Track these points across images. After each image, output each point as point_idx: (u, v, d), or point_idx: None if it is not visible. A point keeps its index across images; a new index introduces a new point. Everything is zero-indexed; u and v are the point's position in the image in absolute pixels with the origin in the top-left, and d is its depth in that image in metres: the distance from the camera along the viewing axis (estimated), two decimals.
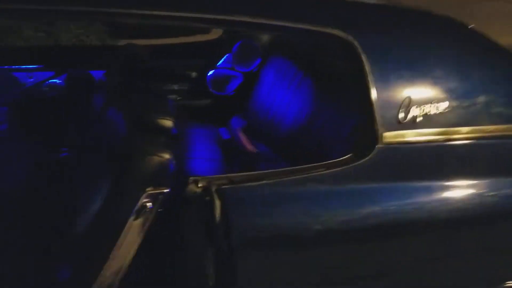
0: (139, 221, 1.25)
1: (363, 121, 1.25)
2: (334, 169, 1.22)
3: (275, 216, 1.19)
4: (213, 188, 1.09)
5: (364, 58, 1.19)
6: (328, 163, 1.24)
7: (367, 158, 1.21)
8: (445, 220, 1.32)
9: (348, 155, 1.24)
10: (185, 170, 1.98)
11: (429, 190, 1.31)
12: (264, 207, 1.19)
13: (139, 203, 1.24)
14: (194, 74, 2.74)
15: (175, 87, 2.73)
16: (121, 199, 1.24)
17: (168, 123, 1.41)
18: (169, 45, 2.72)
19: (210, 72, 2.75)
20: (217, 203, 1.08)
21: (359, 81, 1.22)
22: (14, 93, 2.42)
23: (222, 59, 2.76)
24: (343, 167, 1.22)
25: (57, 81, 2.50)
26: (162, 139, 1.34)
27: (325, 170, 1.21)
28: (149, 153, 1.25)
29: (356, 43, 1.18)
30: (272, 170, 1.24)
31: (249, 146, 2.21)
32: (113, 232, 1.23)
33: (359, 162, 1.22)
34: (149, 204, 1.25)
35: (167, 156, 1.28)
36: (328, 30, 1.19)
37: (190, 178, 1.11)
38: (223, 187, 1.11)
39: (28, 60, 2.44)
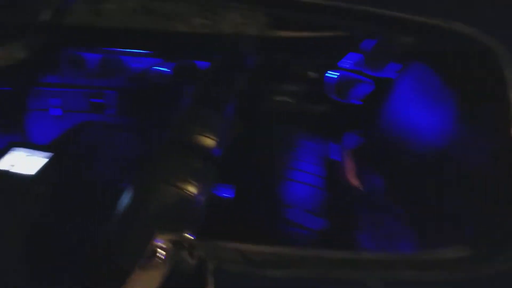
0: (146, 274, 0.89)
1: None
2: None
3: None
4: (211, 266, 0.66)
5: None
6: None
7: None
8: None
9: None
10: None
11: None
12: None
13: (147, 249, 0.88)
14: (311, 73, 2.30)
15: (288, 87, 2.33)
16: (125, 239, 0.90)
17: (207, 142, 1.02)
18: (284, 38, 2.32)
19: (331, 73, 2.27)
20: None
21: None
22: (123, 78, 2.34)
23: (352, 60, 2.25)
24: None
25: (164, 69, 2.33)
26: (196, 163, 0.97)
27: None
28: (166, 182, 0.89)
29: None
30: (338, 252, 0.75)
31: (353, 179, 1.70)
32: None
33: None
34: (160, 253, 0.89)
35: (191, 189, 0.89)
36: None
37: (184, 239, 0.71)
38: (230, 266, 0.68)
39: (143, 45, 2.31)
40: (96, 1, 3.23)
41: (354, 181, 1.72)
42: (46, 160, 1.67)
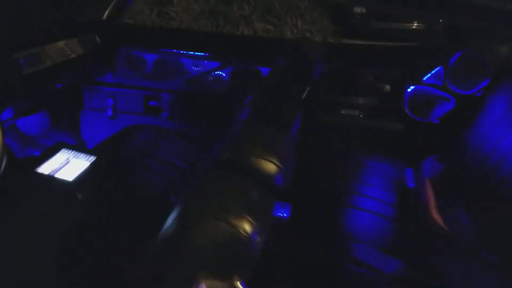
0: None
1: None
2: None
3: None
4: None
5: None
6: None
7: None
8: None
9: None
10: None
11: None
12: None
13: None
14: (387, 87, 2.04)
15: (360, 100, 2.09)
16: (160, 282, 0.72)
17: (269, 167, 0.82)
18: (355, 46, 2.09)
19: (411, 88, 2.00)
20: None
21: None
22: (180, 81, 2.20)
23: (431, 72, 1.97)
24: None
25: (222, 73, 2.17)
26: (253, 194, 0.76)
27: None
28: (215, 217, 0.70)
29: None
30: None
31: (434, 213, 1.43)
32: None
33: None
34: None
35: (247, 228, 0.70)
36: None
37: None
38: None
39: (203, 48, 2.17)
40: (160, 2, 3.19)
41: (435, 216, 1.45)
42: (89, 164, 1.56)
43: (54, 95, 2.09)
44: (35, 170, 1.51)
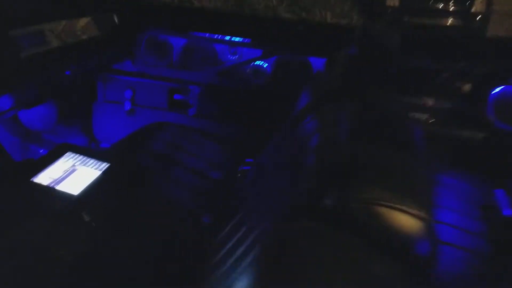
0: None
1: None
2: None
3: None
4: None
5: None
6: None
7: None
8: None
9: None
10: None
11: None
12: None
13: None
14: (467, 86, 1.65)
15: (429, 101, 1.71)
16: None
17: (404, 222, 0.45)
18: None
19: (497, 89, 1.61)
20: None
21: None
22: (212, 71, 1.84)
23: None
24: None
25: (263, 63, 1.80)
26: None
27: None
28: None
29: None
30: None
31: None
32: None
33: None
34: None
35: None
36: None
37: None
38: None
39: (242, 32, 1.80)
40: None
41: None
42: (99, 173, 1.21)
43: (62, 84, 1.75)
44: (31, 179, 1.17)
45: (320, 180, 0.57)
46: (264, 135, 1.62)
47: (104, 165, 1.25)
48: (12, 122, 1.84)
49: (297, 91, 1.59)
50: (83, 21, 1.57)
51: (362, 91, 1.05)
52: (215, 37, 1.81)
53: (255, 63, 1.80)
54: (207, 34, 1.82)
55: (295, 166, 0.75)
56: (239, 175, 1.55)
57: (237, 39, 1.80)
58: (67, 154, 1.28)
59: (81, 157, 1.28)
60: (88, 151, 1.32)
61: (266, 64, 1.80)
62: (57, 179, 1.18)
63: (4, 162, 1.38)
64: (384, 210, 0.49)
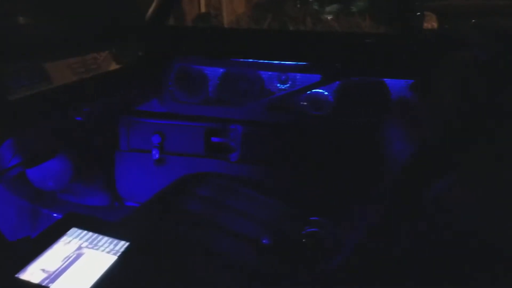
0: None
1: None
2: None
3: None
4: None
5: None
6: None
7: None
8: None
9: None
10: None
11: None
12: None
13: None
14: None
15: None
16: None
17: None
18: None
19: None
20: None
21: None
22: (258, 104, 1.47)
23: None
24: None
25: (323, 91, 1.42)
26: None
27: None
28: None
29: None
30: None
31: None
32: None
33: None
34: None
35: None
36: None
37: None
38: None
39: (294, 55, 1.45)
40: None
41: None
42: (115, 259, 0.83)
43: (75, 132, 1.42)
44: (16, 275, 0.80)
45: None
46: (332, 184, 1.22)
47: (122, 245, 0.87)
48: (19, 182, 1.52)
49: (373, 124, 1.19)
50: (94, 53, 1.25)
51: None
52: (260, 62, 1.45)
53: (313, 91, 1.42)
54: (250, 59, 1.46)
55: None
56: (303, 240, 1.15)
57: (288, 62, 1.43)
58: (71, 231, 0.91)
59: (90, 234, 0.90)
60: (100, 224, 0.94)
61: (327, 92, 1.41)
62: (54, 272, 0.80)
63: None
64: None
